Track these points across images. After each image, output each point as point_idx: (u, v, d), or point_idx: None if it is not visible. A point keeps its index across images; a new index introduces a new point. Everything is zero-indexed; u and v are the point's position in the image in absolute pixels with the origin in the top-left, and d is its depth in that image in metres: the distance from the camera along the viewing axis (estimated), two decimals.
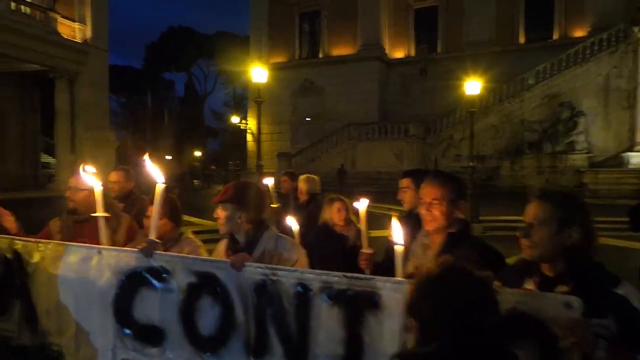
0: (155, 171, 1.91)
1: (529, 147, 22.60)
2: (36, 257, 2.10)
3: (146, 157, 2.01)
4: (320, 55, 32.27)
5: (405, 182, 2.62)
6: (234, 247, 2.00)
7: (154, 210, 1.94)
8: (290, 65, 32.35)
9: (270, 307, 1.68)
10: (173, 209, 2.33)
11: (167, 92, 58.01)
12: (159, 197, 1.92)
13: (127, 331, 1.93)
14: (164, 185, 1.93)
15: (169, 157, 51.88)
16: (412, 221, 2.15)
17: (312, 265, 2.47)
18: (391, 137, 26.54)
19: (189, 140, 55.60)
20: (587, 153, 21.10)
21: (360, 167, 25.92)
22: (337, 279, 1.57)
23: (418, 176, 2.50)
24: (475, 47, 26.56)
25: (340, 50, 31.56)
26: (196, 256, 2.02)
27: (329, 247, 3.07)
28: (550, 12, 26.58)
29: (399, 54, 31.54)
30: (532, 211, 1.50)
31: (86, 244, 2.10)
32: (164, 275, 1.88)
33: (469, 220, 2.05)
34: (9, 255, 2.16)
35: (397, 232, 1.61)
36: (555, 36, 26.57)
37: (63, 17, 20.37)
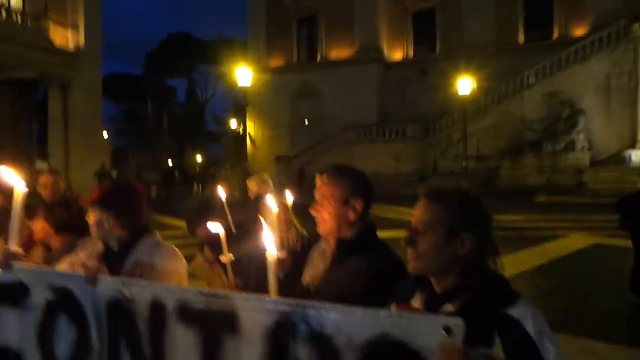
0: (11, 176, 1.66)
1: (529, 146, 22.23)
2: None
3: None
4: (318, 59, 32.11)
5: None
6: (105, 257, 1.73)
7: (13, 217, 1.67)
8: (289, 68, 32.20)
9: (125, 330, 1.40)
10: (62, 216, 2.07)
11: (169, 98, 58.17)
12: (18, 202, 1.65)
13: None
14: (24, 190, 1.67)
15: (170, 162, 51.98)
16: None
17: (250, 276, 2.21)
18: (389, 138, 26.27)
19: (190, 145, 55.65)
20: (588, 151, 20.69)
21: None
22: (193, 296, 1.29)
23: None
24: (474, 47, 26.24)
25: (339, 53, 31.38)
26: (52, 269, 1.74)
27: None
28: (549, 11, 26.24)
29: (397, 55, 31.30)
30: (419, 214, 1.22)
31: None
32: (23, 290, 1.61)
33: (373, 223, 1.77)
34: None
35: (267, 237, 1.33)
36: (555, 35, 26.22)
37: (56, 23, 20.31)
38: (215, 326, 1.25)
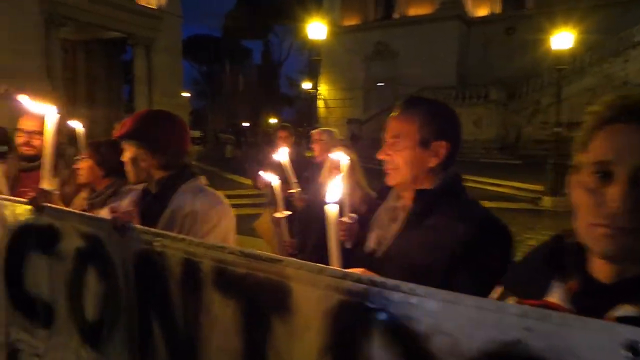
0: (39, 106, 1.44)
1: None
2: None
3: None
4: (395, 16, 30.51)
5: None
6: (142, 202, 1.48)
7: (46, 150, 1.45)
8: (364, 27, 30.99)
9: (154, 289, 1.13)
10: (111, 157, 1.86)
11: (245, 60, 59.09)
12: (51, 134, 1.43)
13: (18, 306, 1.50)
14: (56, 117, 1.43)
15: (246, 124, 53.35)
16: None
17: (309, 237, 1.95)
18: (469, 102, 24.64)
19: (264, 108, 56.62)
20: None
21: None
22: (232, 257, 0.97)
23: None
24: (572, 0, 23.40)
25: (417, 9, 29.56)
26: (84, 213, 1.51)
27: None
28: None
29: (482, 11, 28.89)
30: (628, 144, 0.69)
31: None
32: (54, 235, 1.40)
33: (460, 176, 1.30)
34: None
35: (334, 187, 0.97)
36: None
37: None
38: (260, 299, 0.93)
